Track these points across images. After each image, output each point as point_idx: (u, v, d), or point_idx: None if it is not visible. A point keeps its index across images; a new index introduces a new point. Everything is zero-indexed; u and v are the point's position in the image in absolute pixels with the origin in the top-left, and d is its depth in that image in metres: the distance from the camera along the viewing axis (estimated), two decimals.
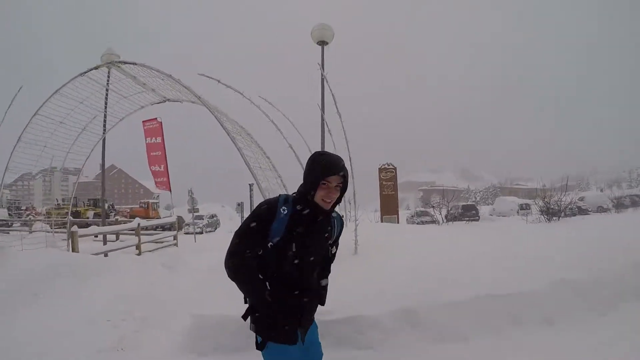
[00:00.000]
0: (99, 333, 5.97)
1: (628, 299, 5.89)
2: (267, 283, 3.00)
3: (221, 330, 5.01)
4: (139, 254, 14.09)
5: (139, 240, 14.61)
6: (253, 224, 2.99)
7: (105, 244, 15.50)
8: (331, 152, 3.22)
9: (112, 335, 5.96)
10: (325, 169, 2.97)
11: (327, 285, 3.40)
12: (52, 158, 10.91)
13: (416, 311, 5.23)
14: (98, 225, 18.92)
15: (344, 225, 3.85)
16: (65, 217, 33.02)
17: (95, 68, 9.09)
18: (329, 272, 3.46)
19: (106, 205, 49.19)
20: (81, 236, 11.83)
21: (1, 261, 7.82)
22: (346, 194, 3.42)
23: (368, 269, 6.64)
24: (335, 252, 3.47)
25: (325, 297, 3.37)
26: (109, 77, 10.13)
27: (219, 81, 7.10)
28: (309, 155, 3.21)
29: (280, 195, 3.17)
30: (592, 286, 5.96)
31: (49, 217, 30.36)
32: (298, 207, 3.01)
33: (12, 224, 11.23)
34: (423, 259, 6.77)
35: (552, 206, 21.95)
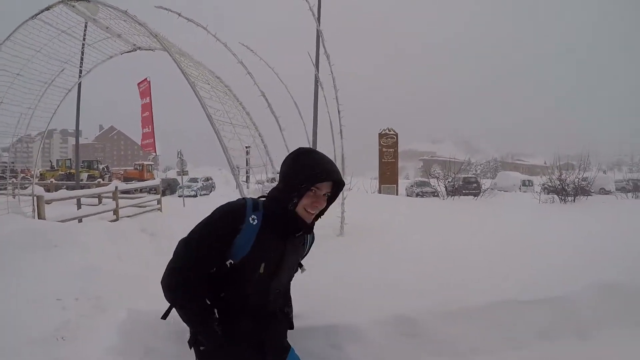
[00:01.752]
0: (41, 317, 4.98)
1: None
2: (215, 310, 2.41)
3: (155, 331, 4.05)
4: (115, 220, 13.13)
5: (117, 205, 13.68)
6: (209, 236, 2.37)
7: (79, 208, 14.73)
8: (321, 152, 2.57)
9: (57, 319, 4.95)
10: (314, 174, 2.36)
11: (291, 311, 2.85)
12: (21, 115, 9.93)
13: (414, 319, 4.05)
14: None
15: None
16: (62, 180, 32.89)
17: (47, 9, 8.05)
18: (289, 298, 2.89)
19: (100, 167, 49.43)
20: (47, 201, 11.00)
21: None
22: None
23: (353, 258, 5.46)
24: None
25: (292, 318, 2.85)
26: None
27: (179, 14, 6.10)
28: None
29: (245, 199, 2.57)
30: (637, 291, 4.69)
31: (42, 180, 29.98)
32: (272, 217, 2.43)
33: (2, 187, 10.64)
34: (424, 248, 5.51)
35: (567, 185, 20.67)
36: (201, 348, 2.46)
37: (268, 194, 2.54)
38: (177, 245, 2.43)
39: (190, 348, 2.53)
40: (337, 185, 2.49)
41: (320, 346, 3.83)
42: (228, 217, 2.41)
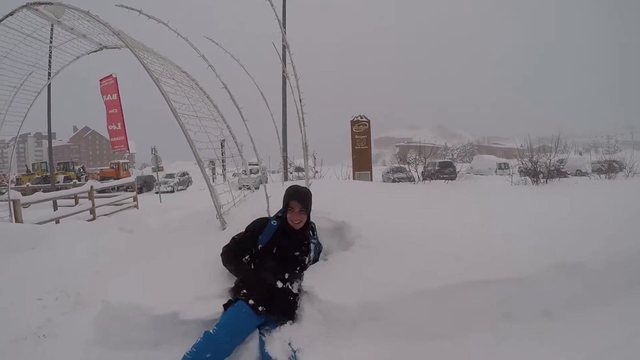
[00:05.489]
0: (22, 316, 5.19)
1: None
2: (251, 264, 4.33)
3: (130, 322, 4.08)
4: (93, 219, 13.22)
5: (93, 204, 13.69)
6: (247, 232, 4.44)
7: (55, 209, 14.70)
8: (301, 186, 4.56)
9: (38, 317, 5.19)
10: (286, 197, 4.29)
11: (296, 294, 4.21)
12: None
13: (377, 303, 4.02)
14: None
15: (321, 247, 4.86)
16: (39, 183, 32.60)
17: (11, 14, 8.03)
18: (299, 278, 4.29)
19: (76, 168, 48.94)
20: (24, 205, 11.03)
21: None
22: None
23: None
24: (308, 264, 4.46)
25: (293, 310, 4.16)
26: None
27: (140, 12, 6.16)
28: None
29: (274, 215, 4.54)
30: (602, 271, 4.63)
31: (19, 185, 29.66)
32: (279, 223, 4.35)
33: None
34: (388, 231, 5.26)
35: (538, 167, 20.54)
36: (242, 292, 4.00)
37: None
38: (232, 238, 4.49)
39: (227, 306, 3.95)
40: (304, 203, 4.23)
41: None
42: (257, 221, 4.49)
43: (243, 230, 4.51)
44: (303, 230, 4.33)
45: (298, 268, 4.30)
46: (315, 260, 4.62)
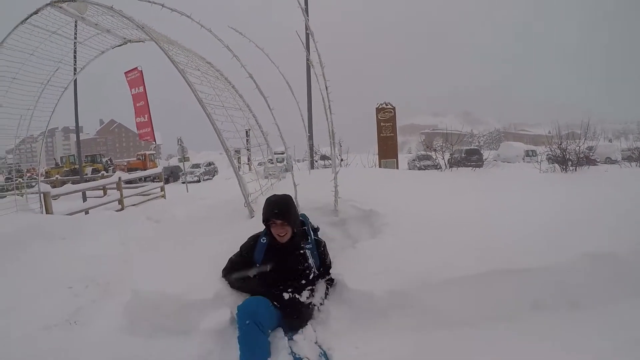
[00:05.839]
0: (54, 304, 5.25)
1: None
2: (256, 278, 4.20)
3: (159, 310, 4.17)
4: (121, 209, 13.41)
5: (121, 195, 13.88)
6: (241, 251, 4.35)
7: (84, 200, 14.89)
8: (278, 195, 4.37)
9: (69, 305, 5.24)
10: (265, 213, 4.15)
11: (308, 302, 4.14)
12: (21, 117, 10.00)
13: (405, 291, 4.04)
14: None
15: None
16: (67, 176, 33.06)
17: (36, 12, 8.11)
18: (309, 287, 4.23)
19: (104, 160, 49.52)
20: (54, 197, 11.19)
21: None
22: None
23: (348, 231, 5.37)
24: (313, 271, 4.28)
25: (307, 316, 4.11)
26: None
27: (162, 5, 6.17)
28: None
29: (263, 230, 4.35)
30: (633, 262, 4.46)
31: (48, 177, 30.13)
32: (267, 239, 4.23)
33: (10, 188, 10.71)
34: (415, 218, 5.30)
35: (568, 154, 19.90)
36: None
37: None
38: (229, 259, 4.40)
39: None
40: (284, 217, 4.06)
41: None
42: (248, 241, 4.36)
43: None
44: (292, 241, 4.19)
45: (303, 280, 4.18)
46: (325, 263, 4.46)
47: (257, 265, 4.17)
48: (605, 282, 4.30)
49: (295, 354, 3.65)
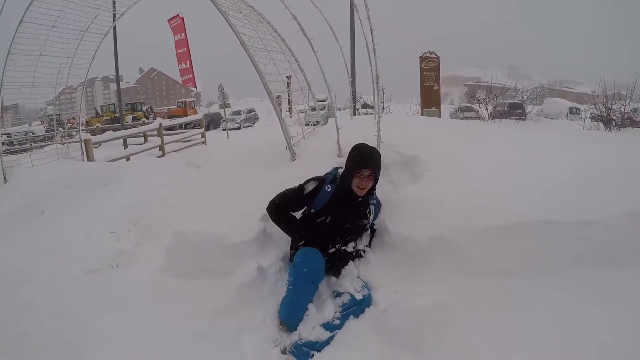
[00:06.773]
0: (96, 249, 5.30)
1: None
2: (302, 224, 4.08)
3: (201, 250, 4.26)
4: (162, 155, 13.50)
5: (162, 141, 13.98)
6: (298, 191, 4.03)
7: (125, 147, 15.06)
8: (369, 145, 4.03)
9: (112, 249, 5.31)
10: (356, 162, 3.79)
11: (356, 251, 4.08)
12: (61, 66, 10.00)
13: (447, 237, 3.98)
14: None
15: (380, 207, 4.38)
16: (108, 124, 33.53)
17: None
18: (359, 239, 4.17)
19: (144, 108, 49.96)
20: (95, 144, 11.29)
21: (12, 181, 7.61)
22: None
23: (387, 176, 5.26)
24: (368, 226, 4.19)
25: (349, 259, 3.99)
26: None
27: None
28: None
29: (329, 173, 4.12)
30: None
31: (89, 126, 30.57)
32: (339, 189, 3.91)
33: (52, 137, 10.92)
34: (458, 166, 5.25)
35: (613, 113, 19.15)
36: (300, 243, 3.92)
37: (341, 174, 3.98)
38: (280, 192, 4.09)
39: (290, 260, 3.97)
40: (376, 169, 3.81)
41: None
42: (311, 183, 4.00)
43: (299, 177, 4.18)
44: (365, 195, 3.89)
45: (355, 235, 4.08)
46: (374, 218, 4.25)
47: (312, 211, 3.95)
48: None
49: (336, 291, 3.74)
